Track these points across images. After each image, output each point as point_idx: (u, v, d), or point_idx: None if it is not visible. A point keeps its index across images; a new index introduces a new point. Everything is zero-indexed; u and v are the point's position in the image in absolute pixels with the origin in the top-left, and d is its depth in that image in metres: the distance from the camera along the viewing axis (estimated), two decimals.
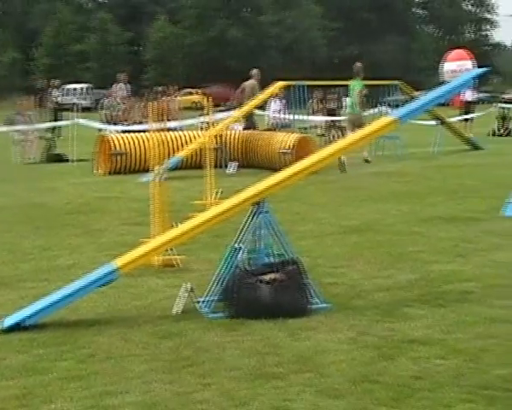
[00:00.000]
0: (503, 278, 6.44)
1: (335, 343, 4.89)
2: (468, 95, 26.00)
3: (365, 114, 17.53)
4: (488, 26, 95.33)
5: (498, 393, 4.06)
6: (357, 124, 16.24)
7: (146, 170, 10.27)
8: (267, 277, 5.57)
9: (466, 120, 25.27)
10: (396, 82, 21.14)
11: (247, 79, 18.89)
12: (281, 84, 18.39)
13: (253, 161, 16.34)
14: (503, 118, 26.47)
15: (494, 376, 4.29)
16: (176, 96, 23.44)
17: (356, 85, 17.49)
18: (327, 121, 22.42)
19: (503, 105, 28.41)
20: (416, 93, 20.49)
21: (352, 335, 5.06)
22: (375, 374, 4.35)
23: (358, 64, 18.22)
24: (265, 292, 5.49)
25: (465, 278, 6.48)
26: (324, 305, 5.66)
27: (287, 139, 15.63)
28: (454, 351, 4.70)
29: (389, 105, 21.37)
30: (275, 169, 9.25)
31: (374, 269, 6.87)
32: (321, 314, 5.49)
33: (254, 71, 18.91)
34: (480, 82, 28.34)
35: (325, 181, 13.17)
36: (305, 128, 20.41)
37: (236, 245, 5.76)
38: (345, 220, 9.50)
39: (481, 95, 37.00)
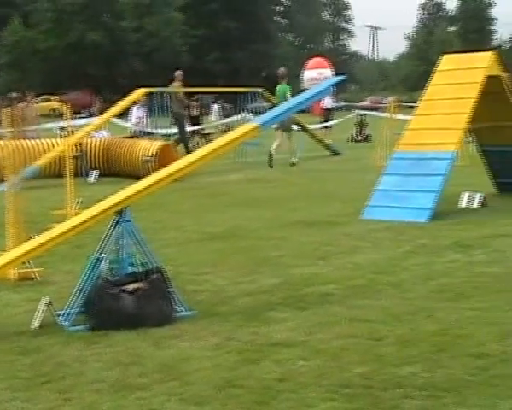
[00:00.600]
0: (362, 279, 6.70)
1: (200, 350, 4.91)
2: (327, 102, 26.90)
3: (227, 120, 17.54)
4: (345, 36, 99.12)
5: (358, 390, 4.21)
6: (288, 127, 17.10)
7: (1, 180, 9.86)
8: (130, 286, 5.50)
9: (325, 126, 26.14)
10: (258, 89, 21.54)
11: (107, 85, 18.67)
12: (142, 90, 18.25)
13: (115, 170, 16.11)
14: (361, 124, 27.58)
15: (354, 374, 4.45)
16: (33, 103, 22.69)
17: (286, 89, 17.87)
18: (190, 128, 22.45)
19: (361, 112, 29.59)
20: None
21: (217, 341, 5.09)
22: (240, 379, 4.41)
23: (283, 69, 18.57)
24: (129, 302, 5.42)
25: (325, 280, 6.69)
26: (188, 312, 5.66)
27: (149, 147, 15.54)
28: (316, 352, 4.84)
29: (251, 112, 21.73)
30: (137, 177, 9.17)
31: (237, 274, 6.96)
32: (185, 322, 5.49)
33: (178, 72, 19.28)
34: (338, 90, 29.35)
35: (189, 188, 13.20)
36: (169, 135, 20.36)
37: (98, 255, 5.65)
38: (208, 227, 9.56)
39: (340, 102, 38.31)
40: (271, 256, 7.73)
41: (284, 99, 16.39)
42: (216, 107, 28.19)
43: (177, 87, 19.04)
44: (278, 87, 18.12)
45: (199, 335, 5.22)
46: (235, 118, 22.29)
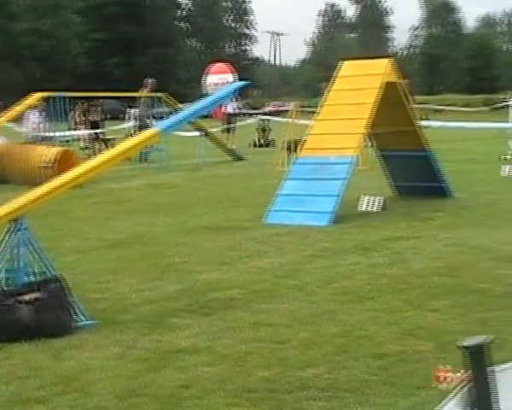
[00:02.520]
0: (266, 283, 6.77)
1: (101, 360, 4.83)
2: (230, 107, 27.03)
3: (125, 126, 17.22)
4: (248, 41, 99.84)
5: (263, 394, 4.25)
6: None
7: None
8: (27, 296, 5.35)
9: (228, 131, 26.25)
10: (160, 94, 21.41)
11: (2, 89, 18.21)
12: (39, 95, 17.80)
13: (12, 176, 15.63)
14: (263, 129, 27.85)
15: (258, 378, 4.49)
16: None
17: None
18: (90, 134, 22.09)
19: (263, 117, 29.87)
20: (180, 105, 20.91)
21: (119, 350, 5.02)
22: (143, 387, 4.36)
23: None
24: (25, 313, 5.27)
25: (230, 285, 6.71)
26: (90, 322, 5.55)
27: (47, 153, 15.18)
28: (220, 357, 4.85)
29: (153, 117, 21.57)
30: (35, 184, 8.93)
31: (140, 282, 6.88)
32: (86, 332, 5.39)
33: (149, 81, 20.24)
34: (240, 95, 29.52)
35: (90, 195, 12.97)
36: (67, 141, 19.96)
37: None
38: (111, 234, 9.42)
39: (242, 108, 38.52)
40: (175, 262, 7.69)
41: None
42: (133, 111, 27.87)
43: (145, 93, 20.20)
44: None
45: (100, 344, 5.13)
46: (131, 123, 22.15)
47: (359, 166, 14.24)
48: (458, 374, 1.44)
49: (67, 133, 20.99)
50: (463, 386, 1.45)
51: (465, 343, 1.46)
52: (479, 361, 1.44)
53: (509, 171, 15.43)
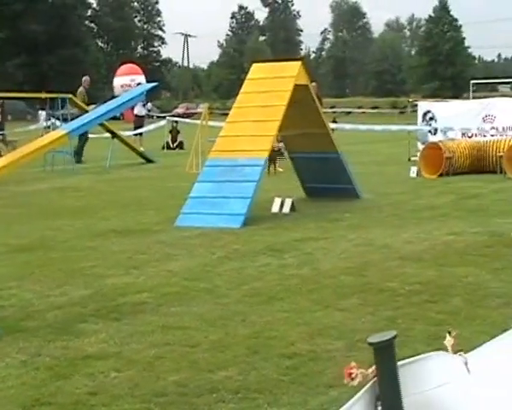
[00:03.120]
0: (176, 286, 6.73)
1: (4, 369, 4.68)
2: (138, 109, 26.78)
3: (33, 127, 16.70)
4: (158, 43, 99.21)
5: (173, 398, 4.22)
6: None
7: None
8: None
9: (138, 133, 25.99)
10: (67, 95, 20.99)
11: None
12: None
13: None
14: (174, 132, 27.70)
15: (169, 382, 4.45)
16: None
17: None
18: None
19: (174, 119, 29.73)
20: (88, 107, 20.55)
21: (23, 358, 4.88)
22: (49, 396, 4.26)
23: None
24: None
25: (139, 289, 6.64)
26: None
27: None
28: (129, 362, 4.79)
29: (59, 119, 21.11)
30: None
31: (46, 287, 6.71)
32: None
33: (84, 78, 20.98)
34: (150, 97, 29.28)
35: None
36: None
37: None
38: (14, 239, 9.15)
39: (151, 109, 38.22)
40: (82, 267, 7.54)
41: None
42: (44, 113, 27.18)
43: (80, 92, 20.59)
44: None
45: (3, 352, 4.97)
46: (44, 124, 21.60)
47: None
48: (370, 370, 1.48)
49: None
50: (370, 382, 1.49)
51: (370, 340, 1.50)
52: (382, 357, 1.48)
53: (417, 172, 15.92)
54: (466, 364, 1.64)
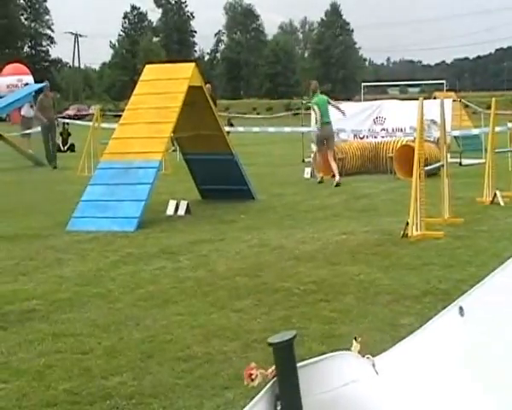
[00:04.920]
0: (67, 292, 6.57)
1: None
2: (26, 110, 25.99)
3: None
4: (46, 42, 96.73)
5: (63, 407, 4.13)
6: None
7: None
8: None
9: (25, 135, 25.24)
10: None
11: None
12: None
13: None
14: (65, 133, 27.09)
15: (60, 391, 4.35)
16: None
17: (323, 99, 15.81)
18: None
19: (66, 121, 29.07)
20: None
21: None
22: None
23: (315, 82, 16.87)
24: None
25: (28, 296, 6.44)
26: None
27: None
28: (17, 372, 4.64)
29: None
30: None
31: None
32: None
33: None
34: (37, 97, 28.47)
35: None
36: None
37: None
38: None
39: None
40: None
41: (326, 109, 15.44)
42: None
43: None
44: (316, 99, 15.73)
45: None
46: None
47: (163, 171, 14.29)
48: (270, 371, 1.49)
49: None
50: (270, 381, 1.50)
51: (269, 340, 1.52)
52: (282, 357, 1.50)
53: (311, 173, 16.21)
54: (374, 366, 1.67)
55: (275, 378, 1.48)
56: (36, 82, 35.63)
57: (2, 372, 4.64)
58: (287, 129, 22.97)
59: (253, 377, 1.50)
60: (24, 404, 4.15)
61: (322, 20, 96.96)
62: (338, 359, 1.60)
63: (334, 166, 15.06)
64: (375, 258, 7.69)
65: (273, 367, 1.49)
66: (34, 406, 4.13)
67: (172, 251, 8.30)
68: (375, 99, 25.22)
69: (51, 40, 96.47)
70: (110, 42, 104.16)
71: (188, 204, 11.12)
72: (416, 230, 8.69)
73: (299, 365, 1.50)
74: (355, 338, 1.72)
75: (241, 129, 24.01)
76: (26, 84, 35.42)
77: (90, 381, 4.48)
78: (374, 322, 5.45)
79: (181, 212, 11.03)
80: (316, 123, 15.57)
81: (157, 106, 11.10)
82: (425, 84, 51.71)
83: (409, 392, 1.66)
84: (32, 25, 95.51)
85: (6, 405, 4.15)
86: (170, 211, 11.06)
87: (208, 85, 15.56)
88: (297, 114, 31.78)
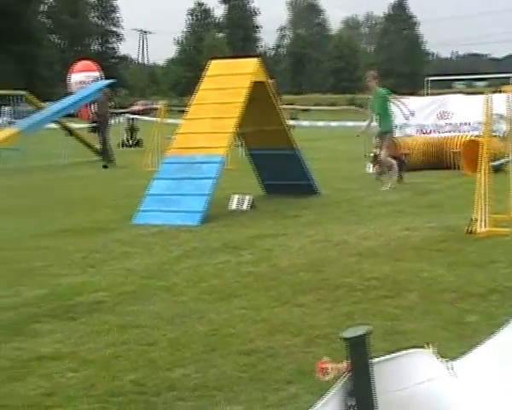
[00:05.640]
0: (133, 285, 6.68)
1: None
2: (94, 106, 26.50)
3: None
4: (114, 39, 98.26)
5: (131, 397, 4.18)
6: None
7: None
8: None
9: (95, 130, 25.72)
10: (22, 92, 20.69)
11: None
12: None
13: None
14: (132, 129, 27.52)
15: (126, 381, 4.42)
16: None
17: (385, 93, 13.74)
18: None
19: (131, 116, 29.52)
20: (43, 104, 20.29)
21: None
22: (3, 398, 4.19)
23: (372, 72, 14.50)
24: None
25: (95, 288, 6.57)
26: None
27: None
28: (85, 362, 4.74)
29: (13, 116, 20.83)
30: None
31: None
32: None
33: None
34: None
35: None
36: None
37: None
38: None
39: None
40: (36, 267, 7.44)
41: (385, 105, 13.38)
42: (7, 109, 26.65)
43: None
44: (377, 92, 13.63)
45: None
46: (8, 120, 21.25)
47: (227, 166, 14.36)
48: (343, 365, 1.47)
49: None
50: (343, 377, 1.49)
51: (344, 334, 1.50)
52: (356, 352, 1.48)
53: (373, 168, 16.05)
54: (452, 368, 1.63)
55: (348, 374, 1.46)
56: (105, 79, 36.20)
57: (72, 361, 4.75)
58: (349, 123, 22.80)
59: (326, 371, 1.48)
60: (92, 393, 4.24)
61: (386, 14, 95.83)
62: (414, 356, 1.57)
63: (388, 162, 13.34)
64: (439, 254, 7.57)
65: (346, 362, 1.47)
66: (101, 395, 4.20)
67: (236, 245, 8.34)
68: (441, 94, 24.80)
69: (119, 37, 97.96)
70: (174, 38, 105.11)
71: (251, 199, 11.15)
72: (482, 226, 8.51)
73: (373, 361, 1.48)
74: (427, 344, 1.68)
75: (305, 123, 23.95)
76: (95, 80, 36.04)
77: (155, 372, 4.54)
78: (438, 320, 5.37)
79: (244, 206, 11.07)
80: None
81: (221, 101, 11.16)
82: (492, 77, 50.57)
83: (487, 397, 1.62)
84: (101, 23, 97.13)
85: (75, 393, 4.25)
86: (233, 206, 11.11)
87: (272, 81, 15.56)
88: (359, 109, 31.52)
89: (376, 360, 1.48)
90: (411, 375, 1.53)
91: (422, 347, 1.65)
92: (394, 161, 13.44)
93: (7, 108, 19.40)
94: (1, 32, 68.82)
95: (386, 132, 13.39)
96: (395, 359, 1.53)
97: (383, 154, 13.36)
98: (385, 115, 13.39)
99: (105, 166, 19.32)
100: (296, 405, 3.99)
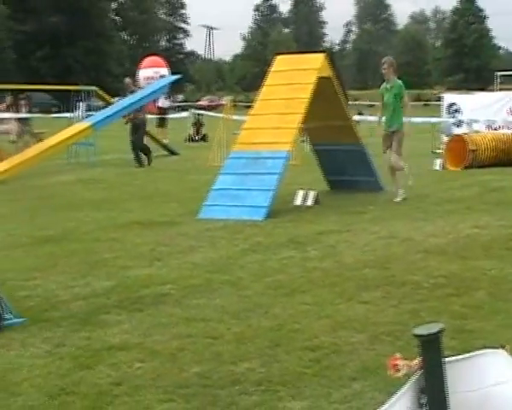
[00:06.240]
0: (198, 278, 6.74)
1: (29, 359, 4.73)
2: (161, 102, 26.85)
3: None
4: (182, 35, 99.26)
5: (196, 390, 4.22)
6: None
7: None
8: None
9: (161, 125, 26.07)
10: (92, 87, 21.12)
11: None
12: None
13: None
14: (198, 124, 27.77)
15: (192, 374, 4.46)
16: None
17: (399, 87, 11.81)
18: (19, 127, 21.65)
19: (198, 111, 29.79)
20: (113, 99, 20.64)
21: (48, 348, 4.92)
22: (73, 385, 4.29)
23: (388, 59, 12.44)
24: None
25: (162, 281, 6.66)
26: (17, 320, 5.43)
27: None
28: (152, 353, 4.81)
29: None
30: None
31: (70, 278, 6.77)
32: (13, 330, 5.27)
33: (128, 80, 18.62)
34: (174, 89, 29.40)
35: (15, 190, 12.69)
36: None
37: None
38: (37, 230, 9.23)
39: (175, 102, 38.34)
40: (105, 258, 7.59)
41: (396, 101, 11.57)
42: (82, 105, 27.29)
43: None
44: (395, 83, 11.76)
45: (28, 342, 5.02)
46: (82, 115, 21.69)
47: (292, 161, 14.33)
48: (415, 362, 1.45)
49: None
50: (415, 374, 1.47)
51: (416, 332, 1.47)
52: (429, 350, 1.46)
53: (441, 164, 15.81)
54: None
55: (420, 371, 1.44)
56: (171, 74, 36.61)
57: (139, 352, 4.83)
58: (417, 119, 22.44)
59: (397, 367, 1.46)
60: (158, 384, 4.30)
61: (454, 8, 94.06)
62: (488, 357, 1.54)
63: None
64: (508, 253, 7.40)
65: (418, 360, 1.45)
66: (168, 386, 4.26)
67: (300, 241, 8.32)
68: (511, 89, 24.21)
69: (186, 33, 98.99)
70: (241, 34, 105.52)
71: (316, 194, 11.11)
72: None
73: (447, 360, 1.45)
74: (502, 346, 1.64)
75: (371, 118, 23.69)
76: (162, 76, 36.49)
77: (220, 365, 4.57)
78: (507, 319, 5.25)
79: (309, 202, 11.04)
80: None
81: (286, 97, 11.14)
82: None
83: None
84: (169, 19, 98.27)
85: (143, 383, 4.31)
86: (298, 201, 11.09)
87: (337, 76, 15.44)
88: (427, 104, 31.02)
89: (449, 358, 1.45)
90: (485, 376, 1.49)
91: (496, 347, 1.61)
92: (405, 165, 11.71)
93: (81, 104, 19.84)
94: (75, 29, 70.36)
95: (397, 131, 11.58)
96: (469, 359, 1.49)
97: (394, 156, 11.58)
98: (398, 111, 11.60)
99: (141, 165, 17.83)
100: (361, 401, 3.97)
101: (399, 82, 11.66)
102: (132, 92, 17.30)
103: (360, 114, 28.37)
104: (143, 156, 18.11)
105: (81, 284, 6.61)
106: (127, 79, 19.16)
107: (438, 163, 15.91)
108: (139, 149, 18.06)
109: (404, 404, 1.43)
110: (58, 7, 70.55)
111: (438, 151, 18.27)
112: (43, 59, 68.40)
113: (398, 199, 11.25)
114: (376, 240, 8.29)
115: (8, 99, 21.91)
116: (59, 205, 11.51)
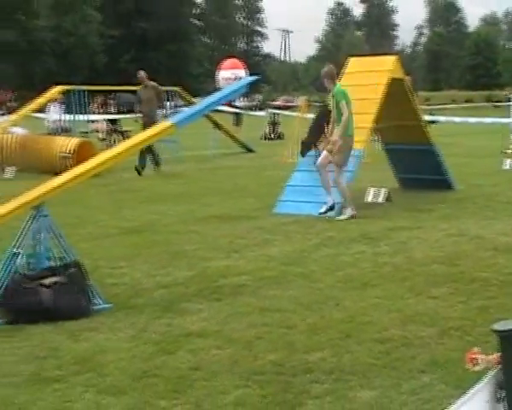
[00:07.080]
0: (273, 271, 6.75)
1: (115, 342, 4.84)
2: (238, 101, 26.96)
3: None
4: (259, 38, 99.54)
5: (270, 377, 4.23)
6: None
7: None
8: (47, 280, 5.37)
9: (237, 124, 26.21)
10: (175, 88, 21.42)
11: (23, 83, 18.32)
12: (59, 88, 17.87)
13: (33, 166, 15.67)
14: (274, 123, 27.79)
15: (266, 361, 4.47)
16: None
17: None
18: (108, 126, 22.21)
19: (274, 111, 29.80)
20: (194, 99, 20.89)
21: (133, 333, 5.03)
22: (156, 368, 4.37)
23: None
24: (46, 296, 5.29)
25: (239, 272, 6.70)
26: (105, 305, 5.57)
27: (67, 143, 15.28)
28: (229, 341, 4.85)
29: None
30: (55, 173, 8.94)
31: (152, 268, 6.89)
32: (102, 315, 5.41)
33: (142, 73, 16.36)
34: (251, 90, 29.56)
35: (105, 184, 13.00)
36: (86, 132, 20.03)
37: (15, 250, 5.48)
38: (124, 222, 9.43)
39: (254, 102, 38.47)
40: (186, 250, 7.69)
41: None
42: (168, 104, 27.67)
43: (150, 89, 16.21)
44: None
45: (115, 327, 5.14)
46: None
47: (364, 159, 14.17)
48: (492, 357, 1.41)
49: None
50: (494, 368, 1.42)
51: (495, 327, 1.43)
52: (508, 345, 1.41)
53: (510, 164, 15.35)
54: None
55: (499, 366, 1.39)
56: (250, 75, 36.75)
57: (217, 340, 4.87)
58: (487, 120, 21.91)
59: (475, 361, 1.42)
60: (235, 370, 4.33)
61: None
62: None
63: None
64: None
65: (496, 355, 1.40)
66: (244, 373, 4.28)
67: (372, 236, 8.23)
68: None
69: (263, 36, 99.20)
70: (315, 36, 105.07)
71: (387, 192, 10.97)
72: None
73: None
74: None
75: (442, 119, 23.26)
76: (240, 78, 36.68)
77: (294, 354, 4.57)
78: None
79: (380, 199, 10.90)
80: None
81: (359, 97, 11.00)
82: None
83: None
84: (247, 23, 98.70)
85: (220, 369, 4.35)
86: (369, 198, 10.97)
87: (408, 77, 15.18)
88: (497, 106, 30.16)
89: None
90: None
91: None
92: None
93: (168, 103, 20.16)
94: (160, 34, 71.55)
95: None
96: None
97: (335, 169, 9.78)
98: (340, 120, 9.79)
99: (138, 172, 15.30)
100: (430, 394, 3.90)
101: (338, 88, 9.92)
102: (146, 87, 16.03)
103: (432, 114, 27.82)
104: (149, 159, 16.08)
105: (163, 273, 6.71)
106: (141, 72, 16.30)
107: (507, 163, 15.44)
108: (149, 151, 15.60)
109: (481, 398, 1.39)
110: (144, 12, 71.84)
111: (507, 151, 17.74)
112: (131, 61, 69.78)
113: (342, 217, 9.47)
114: (446, 237, 8.13)
115: (99, 99, 22.45)
116: (142, 198, 11.73)
